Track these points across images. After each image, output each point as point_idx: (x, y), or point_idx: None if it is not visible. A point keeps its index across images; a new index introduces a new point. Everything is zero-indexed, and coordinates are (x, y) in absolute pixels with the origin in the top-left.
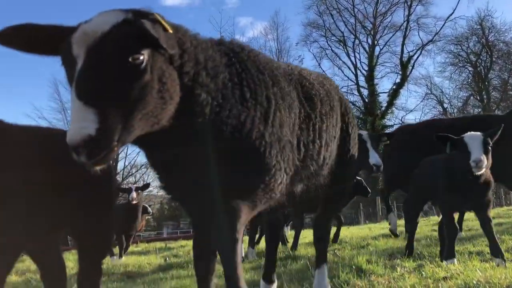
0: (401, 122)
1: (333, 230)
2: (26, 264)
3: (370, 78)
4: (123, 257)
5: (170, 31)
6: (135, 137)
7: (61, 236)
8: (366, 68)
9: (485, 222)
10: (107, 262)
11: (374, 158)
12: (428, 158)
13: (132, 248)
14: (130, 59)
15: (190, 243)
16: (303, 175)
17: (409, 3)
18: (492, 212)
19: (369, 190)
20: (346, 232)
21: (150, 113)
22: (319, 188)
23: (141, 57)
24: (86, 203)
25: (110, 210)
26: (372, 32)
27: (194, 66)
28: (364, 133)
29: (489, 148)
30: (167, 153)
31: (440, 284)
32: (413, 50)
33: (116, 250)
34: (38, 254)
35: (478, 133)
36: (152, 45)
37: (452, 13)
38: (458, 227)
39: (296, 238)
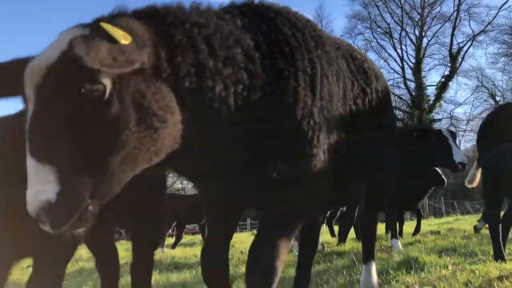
0: (449, 116)
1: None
2: (78, 252)
3: (417, 70)
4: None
5: (124, 41)
6: (127, 182)
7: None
8: (413, 61)
9: None
10: (155, 253)
11: (458, 155)
12: (506, 144)
13: None
14: (84, 91)
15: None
16: (359, 165)
17: None
18: None
19: (445, 180)
20: None
21: (136, 150)
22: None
23: (100, 86)
24: (139, 195)
25: (163, 202)
26: (419, 23)
27: (193, 60)
28: (444, 129)
29: None
30: (196, 163)
31: (495, 284)
32: (463, 41)
33: (167, 240)
34: (95, 243)
35: None
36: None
37: (507, 1)
38: None
39: (345, 233)
